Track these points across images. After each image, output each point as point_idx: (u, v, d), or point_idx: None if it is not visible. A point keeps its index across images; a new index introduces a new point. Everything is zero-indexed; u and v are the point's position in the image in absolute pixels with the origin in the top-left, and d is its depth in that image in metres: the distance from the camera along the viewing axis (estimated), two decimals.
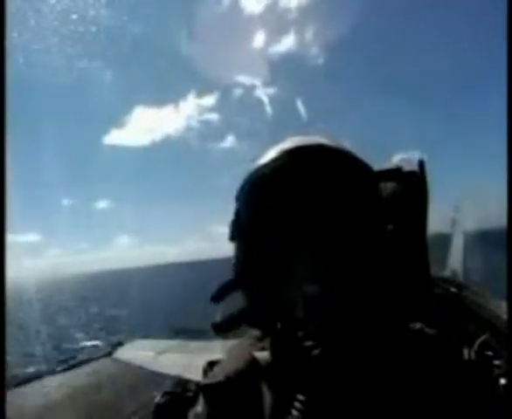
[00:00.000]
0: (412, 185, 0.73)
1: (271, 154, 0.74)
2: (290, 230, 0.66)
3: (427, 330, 0.70)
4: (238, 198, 0.78)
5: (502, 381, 0.67)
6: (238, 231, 0.75)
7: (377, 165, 0.74)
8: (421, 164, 0.73)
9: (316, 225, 0.65)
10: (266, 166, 0.73)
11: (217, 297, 0.78)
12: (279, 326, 0.69)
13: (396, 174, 0.74)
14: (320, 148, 0.70)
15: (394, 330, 0.69)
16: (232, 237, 0.77)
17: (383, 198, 0.71)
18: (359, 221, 0.65)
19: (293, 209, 0.66)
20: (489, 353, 0.71)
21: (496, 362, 0.70)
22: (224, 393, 0.74)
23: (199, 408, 0.76)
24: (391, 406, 0.63)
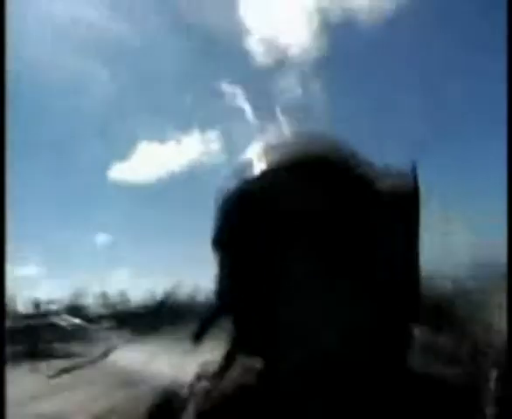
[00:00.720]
0: (405, 191, 0.73)
1: (259, 164, 0.69)
2: (279, 251, 0.63)
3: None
4: (220, 211, 0.72)
5: (493, 382, 0.68)
6: (222, 247, 0.70)
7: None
8: (413, 168, 0.74)
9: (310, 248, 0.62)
10: (251, 182, 0.68)
11: (201, 333, 0.71)
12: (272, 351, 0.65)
13: (389, 197, 0.73)
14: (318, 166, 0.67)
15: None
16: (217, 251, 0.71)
17: (378, 210, 0.70)
18: (355, 241, 0.64)
19: (283, 229, 0.63)
20: (481, 357, 0.72)
21: (488, 368, 0.71)
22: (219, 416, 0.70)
23: (190, 414, 0.73)
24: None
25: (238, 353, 0.68)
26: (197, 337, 0.69)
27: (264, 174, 0.67)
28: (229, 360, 0.69)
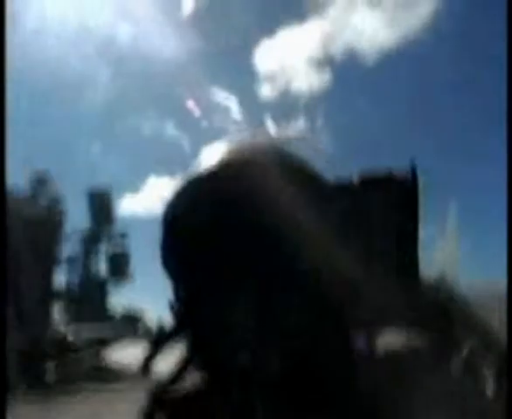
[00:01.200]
0: (404, 193, 0.73)
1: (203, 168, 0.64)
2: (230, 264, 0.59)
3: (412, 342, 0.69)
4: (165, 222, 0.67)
5: (491, 387, 0.67)
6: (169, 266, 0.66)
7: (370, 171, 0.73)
8: (413, 171, 0.73)
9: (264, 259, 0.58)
10: (197, 184, 0.64)
11: (149, 359, 0.66)
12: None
13: (387, 182, 0.73)
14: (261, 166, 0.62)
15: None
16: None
17: (371, 208, 0.69)
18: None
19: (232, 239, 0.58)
20: (478, 361, 0.72)
21: (485, 370, 0.70)
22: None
23: None
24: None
25: (190, 364, 0.65)
26: (146, 364, 0.64)
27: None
28: (181, 371, 0.66)
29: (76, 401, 12.13)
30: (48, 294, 24.05)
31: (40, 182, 26.73)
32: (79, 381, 16.14)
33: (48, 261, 24.07)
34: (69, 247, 29.00)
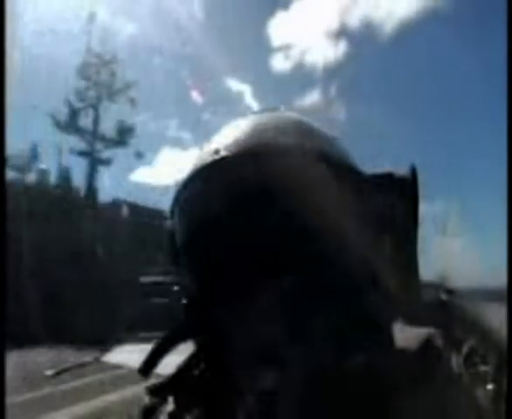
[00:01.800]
0: (404, 191, 0.73)
1: (217, 148, 0.56)
2: (246, 258, 0.52)
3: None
4: (172, 213, 0.61)
5: (490, 386, 0.68)
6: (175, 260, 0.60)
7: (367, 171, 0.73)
8: (413, 170, 0.73)
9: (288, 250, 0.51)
10: (210, 168, 0.56)
11: (151, 363, 0.59)
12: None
13: (386, 179, 0.73)
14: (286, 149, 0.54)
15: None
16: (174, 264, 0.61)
17: (373, 207, 0.68)
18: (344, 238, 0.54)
19: (252, 228, 0.52)
20: (477, 359, 0.72)
21: (484, 368, 0.71)
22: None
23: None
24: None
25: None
26: (147, 367, 0.60)
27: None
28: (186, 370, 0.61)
29: None
30: None
31: None
32: None
33: None
34: None
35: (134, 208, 23.61)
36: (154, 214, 21.72)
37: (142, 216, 23.05)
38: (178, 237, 0.61)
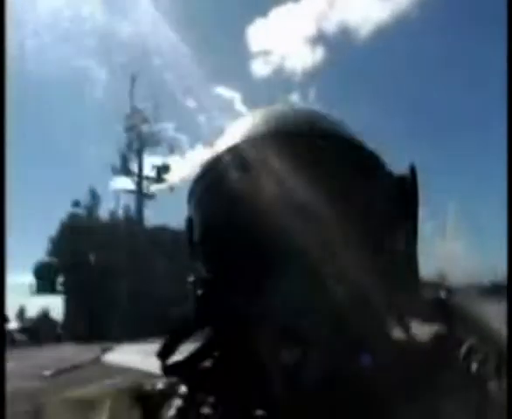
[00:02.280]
0: (403, 190, 0.73)
1: (241, 135, 0.56)
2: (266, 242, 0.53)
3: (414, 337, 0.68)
4: (190, 200, 0.61)
5: (489, 383, 0.68)
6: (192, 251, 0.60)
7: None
8: (412, 169, 0.74)
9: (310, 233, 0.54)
10: (234, 153, 0.53)
11: (171, 345, 0.61)
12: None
13: (387, 181, 0.73)
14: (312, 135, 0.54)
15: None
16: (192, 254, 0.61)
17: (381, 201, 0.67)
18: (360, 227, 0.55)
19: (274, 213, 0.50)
20: (477, 357, 0.72)
21: (483, 366, 0.71)
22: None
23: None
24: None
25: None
26: (165, 352, 0.59)
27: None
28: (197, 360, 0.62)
29: None
30: None
31: None
32: None
33: None
34: None
35: (177, 231, 27.65)
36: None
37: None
38: (195, 229, 0.62)
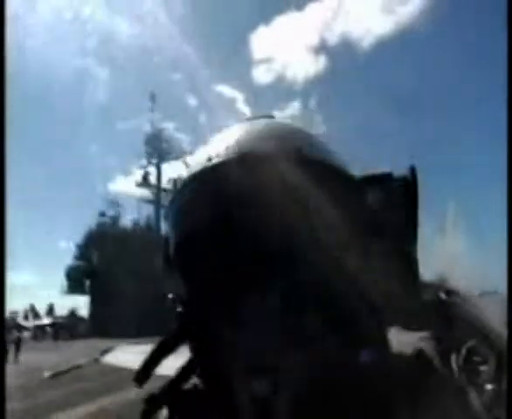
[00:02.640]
0: (403, 190, 0.73)
1: (212, 153, 0.53)
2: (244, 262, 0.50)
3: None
4: (167, 216, 0.58)
5: (489, 386, 0.68)
6: (168, 264, 0.62)
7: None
8: (412, 170, 0.73)
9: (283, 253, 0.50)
10: (204, 174, 0.53)
11: (145, 373, 0.62)
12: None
13: (386, 179, 0.73)
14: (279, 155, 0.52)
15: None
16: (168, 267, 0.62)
17: (370, 206, 0.68)
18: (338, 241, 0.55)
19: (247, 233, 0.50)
20: (477, 359, 0.72)
21: (484, 368, 0.70)
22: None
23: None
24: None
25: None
26: (143, 376, 0.59)
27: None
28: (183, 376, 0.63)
29: None
30: None
31: None
32: None
33: None
34: None
35: None
36: None
37: None
38: (171, 244, 0.63)
